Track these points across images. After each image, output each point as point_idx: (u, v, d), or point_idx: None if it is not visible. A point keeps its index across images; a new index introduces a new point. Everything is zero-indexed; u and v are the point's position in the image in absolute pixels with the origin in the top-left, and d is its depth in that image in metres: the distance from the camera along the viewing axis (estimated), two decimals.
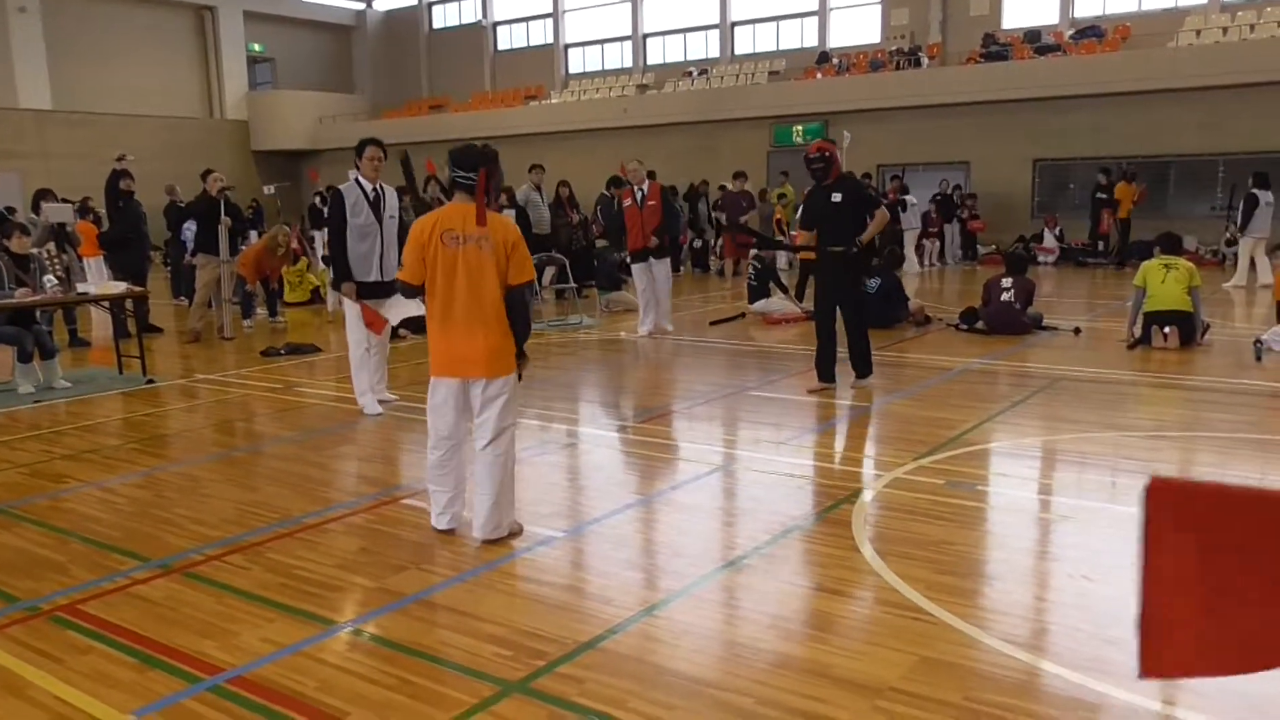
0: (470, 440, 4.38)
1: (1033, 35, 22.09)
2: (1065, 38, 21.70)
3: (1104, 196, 18.34)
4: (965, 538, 4.33)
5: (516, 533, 4.40)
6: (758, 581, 3.87)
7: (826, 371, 7.61)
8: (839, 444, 6.30)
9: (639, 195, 10.61)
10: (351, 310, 6.97)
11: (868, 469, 5.63)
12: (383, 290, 6.94)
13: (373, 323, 6.83)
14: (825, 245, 7.48)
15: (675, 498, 5.03)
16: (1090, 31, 21.48)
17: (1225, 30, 19.46)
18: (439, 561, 4.11)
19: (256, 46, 32.38)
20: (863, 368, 7.64)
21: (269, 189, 21.89)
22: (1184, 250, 10.79)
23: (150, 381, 8.57)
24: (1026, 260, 11.69)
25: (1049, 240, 19.35)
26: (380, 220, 6.91)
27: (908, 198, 17.78)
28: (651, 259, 10.64)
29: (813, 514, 4.74)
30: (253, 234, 16.95)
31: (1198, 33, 19.83)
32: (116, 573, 4.04)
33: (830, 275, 7.53)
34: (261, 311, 12.73)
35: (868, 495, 4.90)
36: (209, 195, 11.06)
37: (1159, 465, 5.45)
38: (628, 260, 11.02)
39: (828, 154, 7.45)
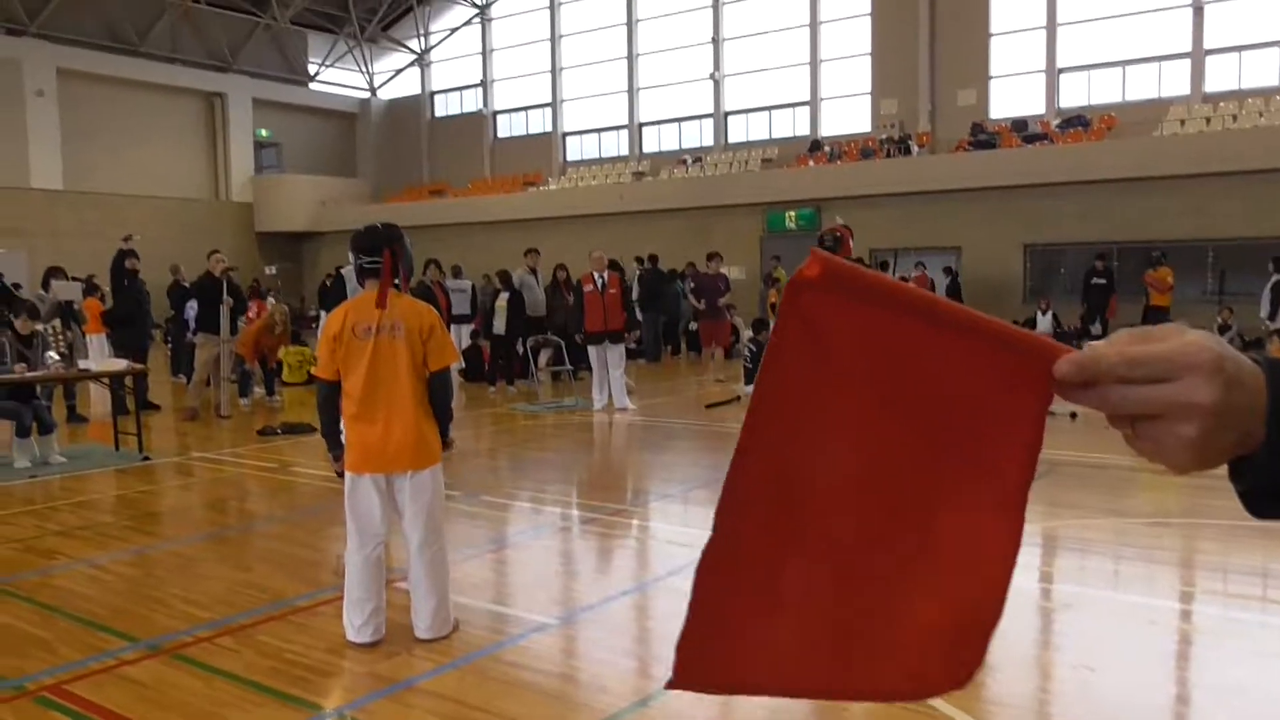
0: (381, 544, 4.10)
1: (1019, 124, 22.69)
2: (1052, 127, 22.28)
3: (1102, 281, 18.38)
4: None
5: (455, 629, 4.17)
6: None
7: None
8: None
9: (600, 282, 11.19)
10: None
11: None
12: None
13: None
14: None
15: (671, 584, 4.99)
16: (1076, 121, 22.07)
17: (1208, 120, 20.02)
18: (431, 648, 4.06)
19: (264, 132, 33.10)
20: None
21: (270, 269, 22.21)
22: None
23: (146, 458, 8.56)
24: None
25: (1042, 324, 19.54)
26: None
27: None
28: (607, 341, 11.20)
29: None
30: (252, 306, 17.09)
31: (1182, 122, 20.39)
32: (104, 652, 3.99)
33: None
34: (259, 390, 12.76)
35: None
36: (212, 275, 11.19)
37: (1160, 552, 5.43)
38: (580, 340, 11.79)
39: (839, 234, 7.61)
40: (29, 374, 8.25)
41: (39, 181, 27.10)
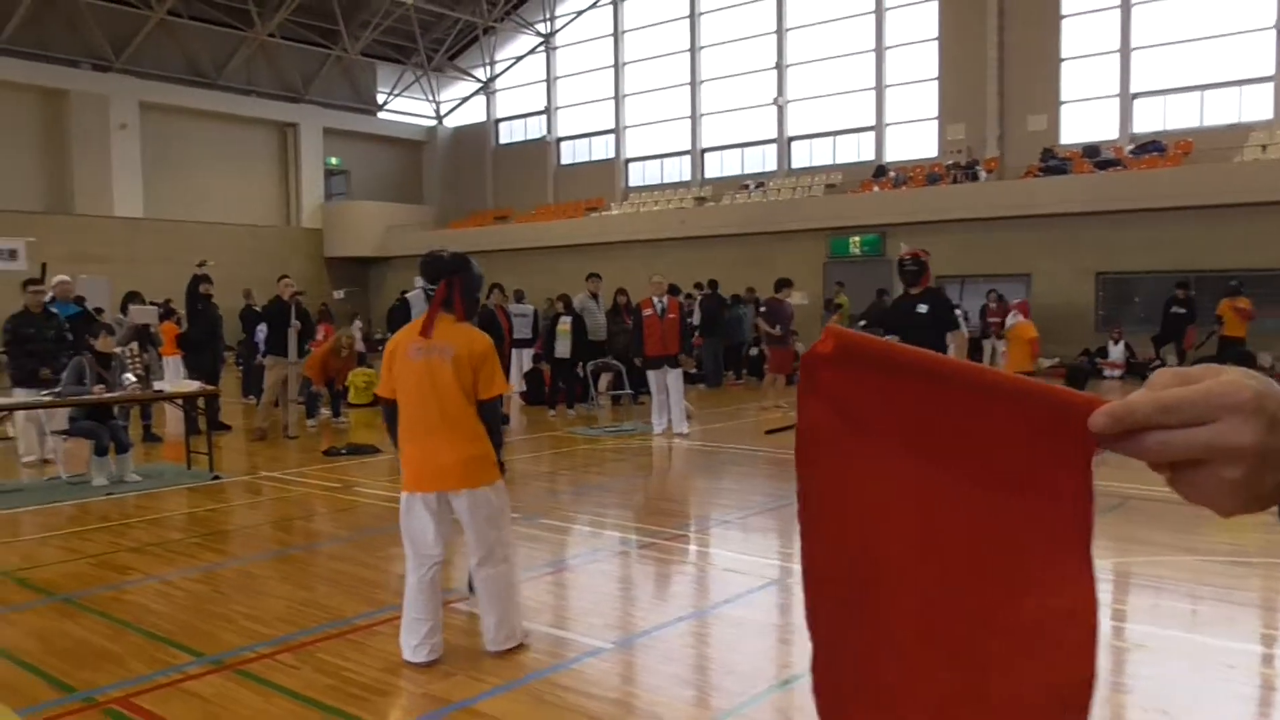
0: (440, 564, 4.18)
1: (1091, 150, 22.22)
2: (1125, 153, 21.78)
3: (1182, 311, 17.84)
4: None
5: (524, 642, 4.26)
6: (813, 703, 3.75)
7: None
8: None
9: (660, 306, 11.26)
10: None
11: None
12: None
13: None
14: None
15: (728, 612, 4.94)
16: (1151, 147, 21.54)
17: None
18: (487, 669, 4.06)
19: (333, 160, 33.99)
20: None
21: (338, 293, 22.70)
22: (1259, 367, 10.51)
23: (216, 477, 8.77)
24: (1088, 373, 11.49)
25: (1114, 353, 19.02)
26: None
27: (955, 311, 17.68)
28: (666, 365, 11.29)
29: None
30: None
31: (1264, 148, 19.76)
32: (170, 667, 4.07)
33: None
34: (326, 411, 13.01)
35: None
36: (281, 299, 11.48)
37: (1238, 592, 5.21)
38: (639, 364, 11.89)
39: (922, 260, 7.51)
40: (107, 395, 8.53)
41: (121, 210, 28.17)
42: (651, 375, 11.50)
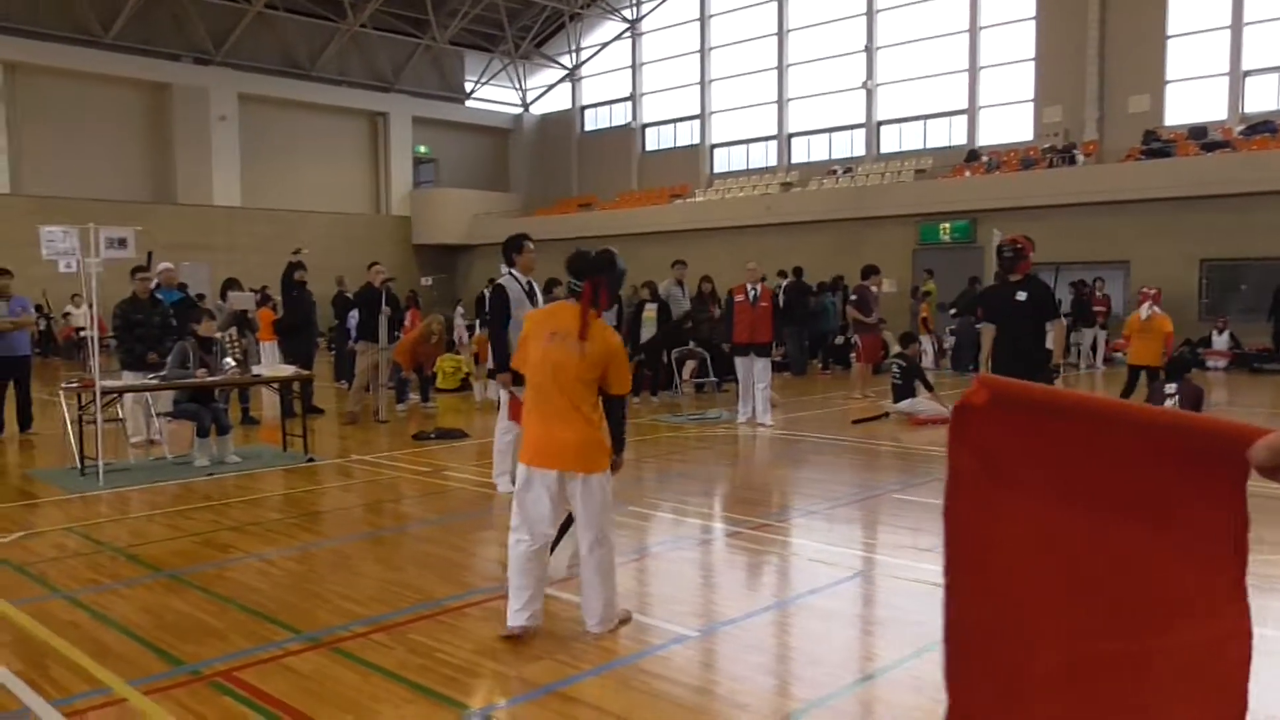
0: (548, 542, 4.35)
1: (1198, 131, 21.25)
2: (1235, 134, 20.76)
3: None
4: None
5: (627, 620, 4.41)
6: (900, 696, 3.70)
7: None
8: None
9: (752, 294, 11.15)
10: (505, 398, 7.19)
11: None
12: None
13: (518, 415, 7.03)
14: (1004, 341, 7.31)
15: (813, 602, 4.89)
16: (1263, 127, 20.49)
17: None
18: (575, 653, 4.11)
19: (422, 149, 34.64)
20: None
21: (426, 280, 23.10)
22: None
23: (310, 460, 9.05)
24: (1190, 363, 11.00)
25: (1218, 342, 18.21)
26: None
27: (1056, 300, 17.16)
28: (753, 354, 11.14)
29: None
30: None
31: None
32: (271, 643, 4.22)
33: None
34: (414, 396, 13.30)
35: None
36: (372, 286, 11.76)
37: None
38: (727, 350, 11.83)
39: (1020, 246, 7.32)
40: (209, 378, 8.87)
41: (220, 199, 29.23)
42: (739, 362, 11.41)
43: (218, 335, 9.54)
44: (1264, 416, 11.67)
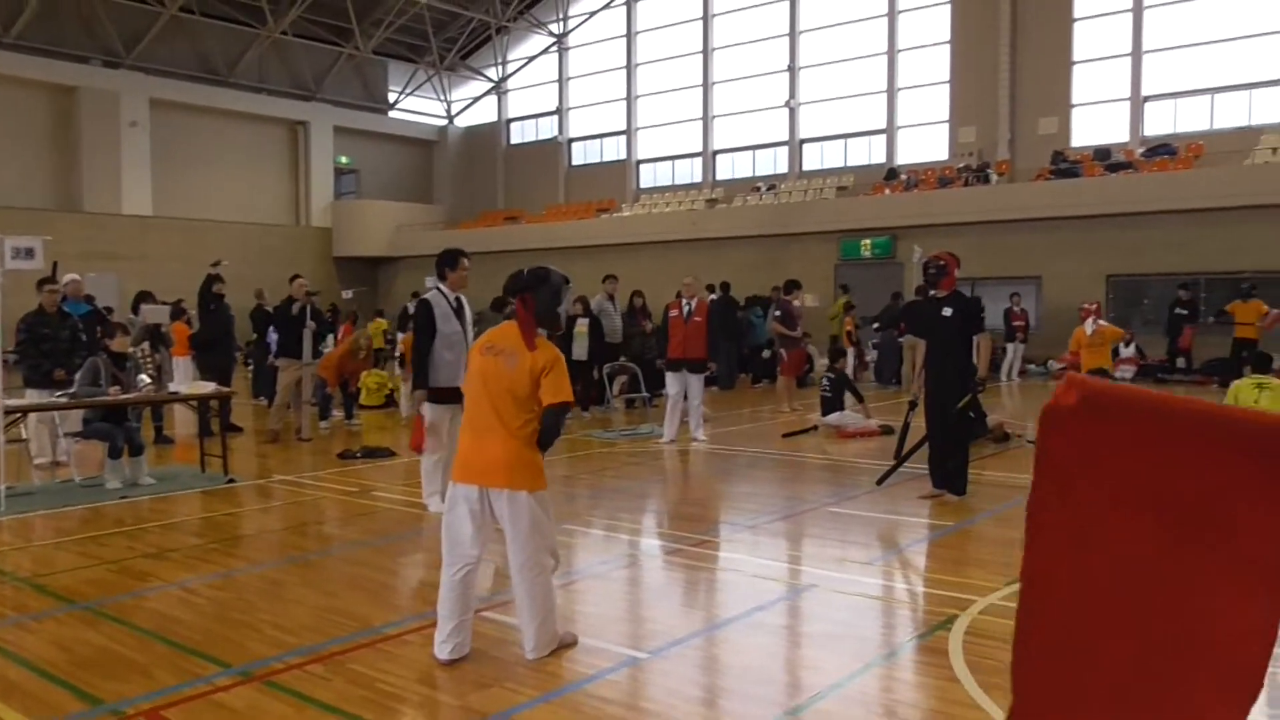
0: (481, 564, 4.25)
1: (1102, 153, 22.13)
2: (1136, 155, 21.68)
3: (1184, 312, 17.96)
4: None
5: (572, 643, 4.31)
6: (851, 712, 3.68)
7: (940, 479, 7.50)
8: (927, 565, 6.08)
9: (686, 308, 10.93)
10: (429, 414, 7.04)
11: (960, 593, 5.39)
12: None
13: (419, 443, 6.98)
14: (933, 355, 7.45)
15: (761, 619, 4.86)
16: (1162, 150, 21.44)
17: None
18: (522, 679, 3.99)
19: (343, 159, 33.99)
20: (959, 485, 7.46)
21: (347, 293, 22.57)
22: (1274, 369, 10.40)
23: (231, 481, 8.70)
24: (1105, 375, 11.38)
25: (1124, 354, 18.92)
26: (465, 329, 7.05)
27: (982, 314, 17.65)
28: (686, 370, 10.87)
29: (906, 641, 4.53)
30: (329, 337, 17.44)
31: (1274, 150, 19.66)
32: (198, 678, 4.00)
33: (940, 395, 7.41)
34: (338, 414, 12.95)
35: (963, 622, 4.68)
36: (294, 299, 11.42)
37: None
38: (659, 365, 11.64)
39: (944, 262, 7.46)
40: (123, 396, 8.47)
41: (130, 208, 28.17)
42: (670, 378, 11.17)
43: (132, 350, 9.13)
44: None
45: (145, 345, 10.37)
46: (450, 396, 6.96)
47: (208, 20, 29.49)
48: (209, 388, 9.83)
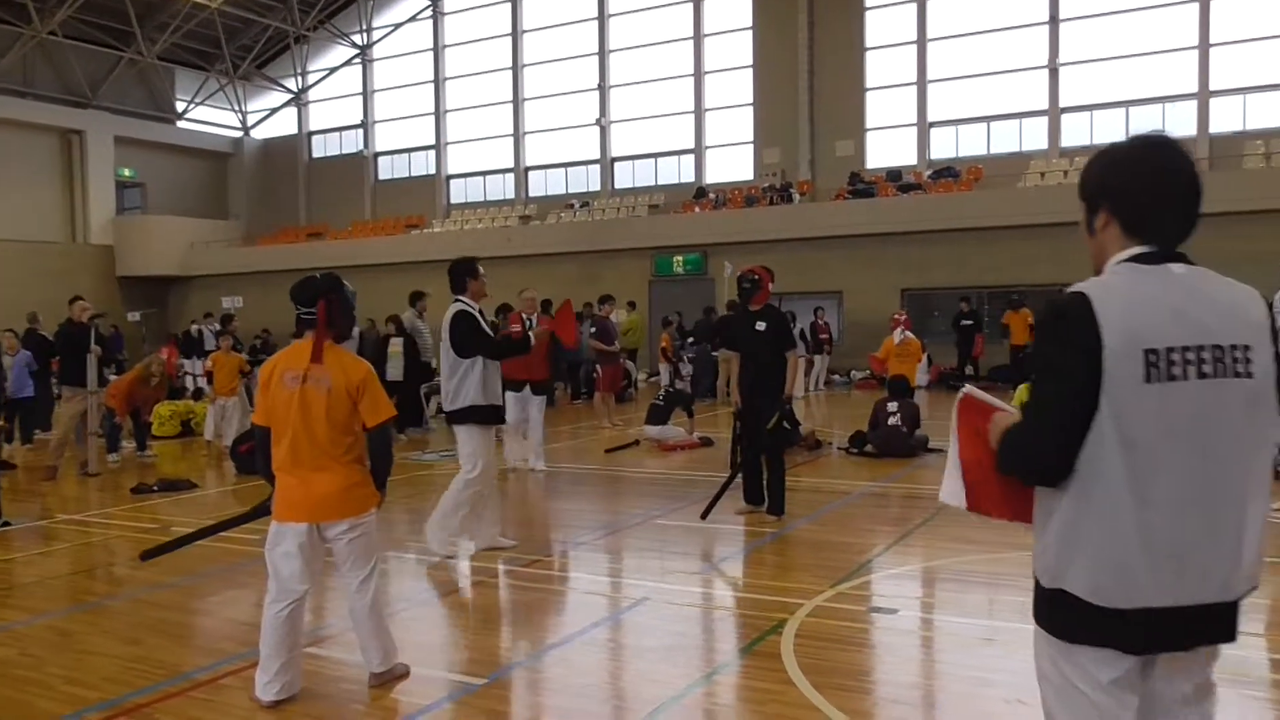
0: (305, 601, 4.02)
1: (894, 175, 23.68)
2: (924, 177, 23.34)
3: (969, 323, 19.43)
4: (897, 665, 4.29)
5: (403, 675, 4.15)
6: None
7: (755, 495, 7.58)
8: (754, 572, 6.23)
9: (528, 324, 10.00)
10: (473, 440, 6.51)
11: (787, 598, 5.56)
12: None
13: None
14: (746, 368, 7.58)
15: (598, 636, 4.84)
16: (946, 172, 23.18)
17: (1066, 173, 21.33)
18: (356, 715, 3.79)
19: (126, 171, 31.55)
20: (777, 504, 7.50)
21: (134, 316, 21.01)
22: None
23: (5, 524, 7.84)
24: (909, 385, 12.14)
25: (920, 365, 20.23)
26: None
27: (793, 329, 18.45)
28: (529, 390, 10.06)
29: (740, 648, 4.62)
30: (113, 365, 16.10)
31: (1042, 175, 21.67)
32: None
33: (755, 415, 7.50)
34: (129, 445, 11.95)
35: (793, 625, 4.82)
36: (76, 323, 10.47)
37: None
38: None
39: (758, 277, 7.62)
40: None
41: None
42: (510, 399, 9.52)
43: None
44: None
45: None
46: (492, 416, 6.51)
47: None
48: None
